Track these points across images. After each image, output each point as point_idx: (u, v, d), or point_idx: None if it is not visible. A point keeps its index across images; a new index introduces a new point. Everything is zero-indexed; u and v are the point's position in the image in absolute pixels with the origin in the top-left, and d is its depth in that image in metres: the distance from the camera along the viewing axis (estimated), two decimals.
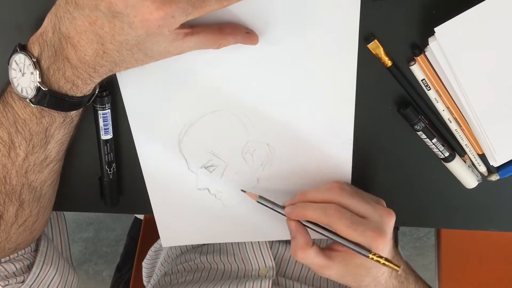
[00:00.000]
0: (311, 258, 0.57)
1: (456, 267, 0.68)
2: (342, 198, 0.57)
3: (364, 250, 0.55)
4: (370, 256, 0.54)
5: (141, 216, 1.29)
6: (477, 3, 0.49)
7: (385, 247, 0.55)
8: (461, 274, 0.71)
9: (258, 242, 0.74)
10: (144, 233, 1.19)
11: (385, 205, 0.60)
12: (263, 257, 0.72)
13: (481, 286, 0.71)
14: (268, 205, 0.60)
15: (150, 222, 1.19)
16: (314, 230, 0.58)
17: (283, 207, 0.60)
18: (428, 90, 0.57)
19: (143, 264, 0.98)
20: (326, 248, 0.59)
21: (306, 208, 0.57)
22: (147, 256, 0.96)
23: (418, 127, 0.59)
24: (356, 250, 0.55)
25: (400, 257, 0.65)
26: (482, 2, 0.49)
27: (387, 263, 0.55)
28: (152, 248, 0.95)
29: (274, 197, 0.62)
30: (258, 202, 0.60)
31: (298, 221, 0.58)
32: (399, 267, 0.55)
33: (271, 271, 0.71)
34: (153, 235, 0.71)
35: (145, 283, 1.00)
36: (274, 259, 0.72)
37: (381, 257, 0.55)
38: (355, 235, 0.54)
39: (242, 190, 0.63)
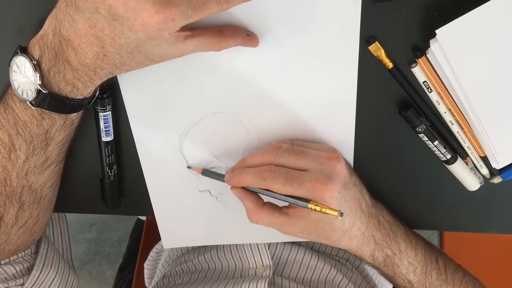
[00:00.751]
0: (265, 218, 0.57)
1: None
2: (277, 158, 0.56)
3: (303, 201, 0.53)
4: (309, 206, 0.52)
5: (143, 217, 1.29)
6: (479, 5, 0.49)
7: (332, 194, 0.54)
8: None
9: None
10: (146, 234, 1.20)
11: (338, 153, 0.58)
12: (260, 255, 0.72)
13: None
14: (213, 177, 0.61)
15: (152, 223, 1.19)
16: (256, 192, 0.57)
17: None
18: (430, 92, 0.56)
19: (145, 265, 0.98)
20: (285, 206, 0.58)
21: (242, 173, 0.57)
22: (149, 258, 0.96)
23: (420, 129, 0.59)
24: (295, 203, 0.54)
25: (380, 207, 0.62)
26: (483, 4, 0.49)
27: (323, 210, 0.52)
28: (154, 250, 0.95)
29: (274, 201, 0.62)
30: (202, 174, 0.62)
31: (242, 188, 0.58)
32: (337, 211, 0.51)
33: (268, 270, 0.71)
34: (155, 236, 0.71)
35: (147, 284, 1.00)
36: (272, 258, 0.72)
37: (318, 205, 0.52)
38: (293, 190, 0.53)
39: (188, 167, 0.63)
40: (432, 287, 0.65)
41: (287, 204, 0.57)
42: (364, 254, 0.61)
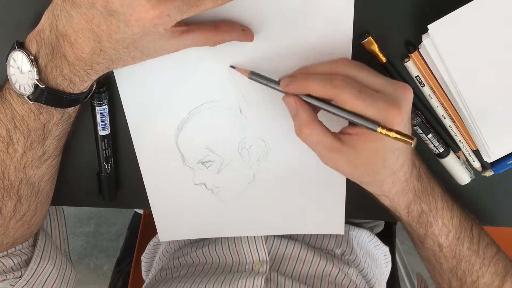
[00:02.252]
0: (317, 136, 0.51)
1: None
2: (350, 69, 0.50)
3: (372, 123, 0.48)
4: (378, 129, 0.48)
5: (140, 211, 1.29)
6: (470, 1, 0.49)
7: (401, 122, 0.49)
8: None
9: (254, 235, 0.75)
10: (144, 227, 1.20)
11: None
12: (257, 250, 0.72)
13: None
14: (261, 81, 0.54)
15: (150, 217, 1.18)
16: (316, 105, 0.51)
17: (278, 82, 0.53)
18: (422, 86, 0.57)
19: (142, 258, 0.98)
20: (336, 133, 0.53)
21: (307, 79, 0.50)
22: (146, 251, 0.97)
23: (415, 122, 0.60)
24: (363, 123, 0.48)
25: (421, 160, 0.59)
26: None
27: (398, 136, 0.47)
28: (151, 243, 0.96)
29: (270, 194, 0.62)
30: (250, 78, 0.55)
31: (298, 97, 0.52)
32: (412, 139, 0.47)
33: (264, 265, 0.71)
34: (153, 229, 0.71)
35: (144, 277, 1.01)
36: (269, 254, 0.73)
37: (391, 130, 0.47)
38: (364, 106, 0.48)
39: (231, 66, 0.57)
40: (461, 256, 0.62)
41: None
42: (400, 205, 0.59)
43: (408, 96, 0.50)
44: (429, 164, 0.64)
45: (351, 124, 0.52)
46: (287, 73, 0.54)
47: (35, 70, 0.48)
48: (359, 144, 0.51)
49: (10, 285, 0.59)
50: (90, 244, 1.86)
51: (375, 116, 0.48)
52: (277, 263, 0.73)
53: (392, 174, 0.55)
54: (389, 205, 0.59)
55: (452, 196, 0.63)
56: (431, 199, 0.59)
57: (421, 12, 0.54)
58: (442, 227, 0.60)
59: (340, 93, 0.48)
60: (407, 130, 0.51)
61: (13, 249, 0.62)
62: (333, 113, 0.50)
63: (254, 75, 0.55)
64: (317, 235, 0.79)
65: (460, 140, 0.61)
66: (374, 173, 0.54)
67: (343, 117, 0.50)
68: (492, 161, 0.61)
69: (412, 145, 0.48)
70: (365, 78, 0.50)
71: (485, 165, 0.64)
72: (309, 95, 0.51)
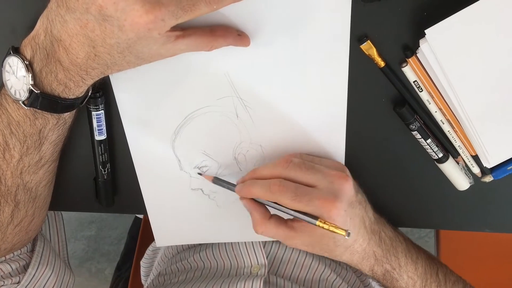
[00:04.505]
0: (271, 230, 0.58)
1: (456, 267, 0.69)
2: (287, 172, 0.57)
3: (311, 218, 0.54)
4: (317, 223, 0.53)
5: (141, 216, 1.29)
6: (467, 5, 0.49)
7: (339, 212, 0.54)
8: (461, 274, 0.71)
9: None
10: (144, 232, 1.20)
11: (347, 172, 0.59)
12: (255, 254, 0.72)
13: (480, 286, 0.71)
14: (223, 185, 0.62)
15: (149, 222, 1.19)
16: (265, 204, 0.58)
17: (235, 186, 0.61)
18: (420, 91, 0.57)
19: (141, 263, 0.98)
20: (290, 219, 0.59)
21: (252, 185, 0.58)
22: (145, 255, 0.97)
23: (414, 126, 0.59)
24: (303, 219, 0.55)
25: (382, 223, 0.63)
26: (472, 4, 0.49)
27: (332, 229, 0.53)
28: (150, 248, 0.96)
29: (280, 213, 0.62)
30: (213, 182, 0.62)
31: (251, 199, 0.59)
32: (345, 231, 0.52)
33: (263, 268, 0.71)
34: (152, 234, 0.71)
35: (143, 282, 1.01)
36: (267, 257, 0.73)
37: (327, 223, 0.53)
38: (302, 206, 0.54)
39: (198, 173, 0.64)
40: None
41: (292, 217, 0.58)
42: (364, 268, 0.63)
43: (343, 187, 0.56)
44: (428, 170, 0.63)
45: None
46: (282, 77, 0.57)
47: (30, 75, 0.48)
48: (310, 230, 0.57)
49: None
50: (91, 248, 1.86)
51: (314, 212, 0.54)
52: (276, 267, 0.73)
53: (347, 249, 0.59)
54: (355, 268, 0.63)
55: (416, 246, 0.66)
56: (394, 258, 0.63)
57: (419, 16, 0.54)
58: (408, 280, 0.64)
59: (279, 197, 0.55)
60: (355, 213, 0.57)
61: (11, 255, 0.61)
62: (281, 211, 0.56)
63: (217, 180, 0.62)
64: None
65: (459, 146, 0.60)
66: (330, 250, 0.60)
67: (288, 214, 0.56)
68: (491, 166, 0.60)
69: (346, 237, 0.53)
70: (301, 177, 0.56)
71: (484, 171, 0.63)
72: None
